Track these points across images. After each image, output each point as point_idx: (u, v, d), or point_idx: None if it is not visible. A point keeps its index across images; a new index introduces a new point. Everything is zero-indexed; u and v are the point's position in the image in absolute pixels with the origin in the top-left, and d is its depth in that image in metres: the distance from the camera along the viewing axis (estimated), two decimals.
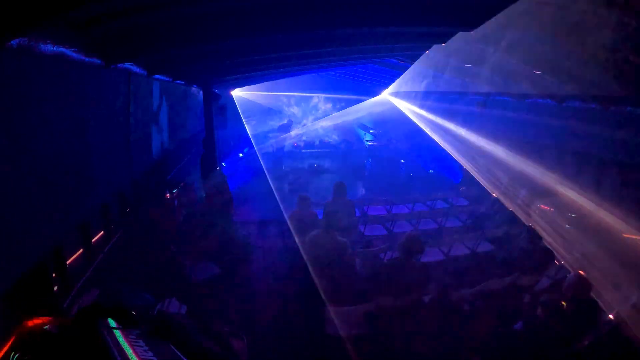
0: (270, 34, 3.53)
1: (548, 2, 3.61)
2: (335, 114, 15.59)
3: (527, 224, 5.19)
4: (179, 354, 2.17)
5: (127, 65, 3.55)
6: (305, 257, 4.18)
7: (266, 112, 15.93)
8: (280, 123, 15.25)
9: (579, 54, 3.84)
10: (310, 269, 4.06)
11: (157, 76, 4.82)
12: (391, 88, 12.48)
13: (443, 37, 4.37)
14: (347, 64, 8.67)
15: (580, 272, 3.47)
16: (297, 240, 4.45)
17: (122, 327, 2.15)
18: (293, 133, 14.72)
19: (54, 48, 2.32)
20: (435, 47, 5.15)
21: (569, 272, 3.85)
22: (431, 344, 3.47)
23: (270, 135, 14.19)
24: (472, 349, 3.50)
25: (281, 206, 6.60)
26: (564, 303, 3.39)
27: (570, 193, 5.17)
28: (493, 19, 3.31)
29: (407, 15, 3.37)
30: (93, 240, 3.66)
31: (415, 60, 7.26)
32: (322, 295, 3.83)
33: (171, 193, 5.71)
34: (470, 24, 3.58)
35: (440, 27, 3.85)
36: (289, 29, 3.46)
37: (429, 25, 3.71)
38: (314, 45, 4.68)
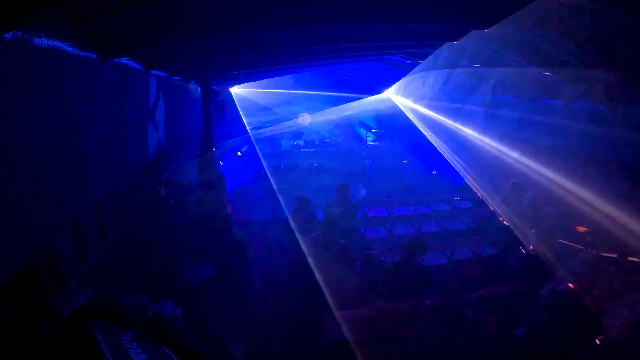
0: (271, 29, 3.44)
1: (558, 2, 3.53)
2: (334, 109, 15.35)
3: (531, 229, 5.11)
4: (173, 357, 2.12)
5: (123, 60, 3.49)
6: (304, 259, 4.11)
7: (265, 109, 15.81)
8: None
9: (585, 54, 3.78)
10: (309, 271, 3.99)
11: (153, 72, 4.76)
12: (395, 87, 12.41)
13: (455, 36, 4.28)
14: (351, 62, 8.56)
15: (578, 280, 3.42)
16: (295, 241, 4.39)
17: (116, 328, 2.10)
18: (289, 127, 14.40)
19: (49, 42, 2.28)
20: (442, 46, 5.06)
21: (572, 278, 3.80)
22: (432, 349, 3.41)
23: (267, 126, 13.93)
24: (475, 354, 3.43)
25: (280, 207, 6.52)
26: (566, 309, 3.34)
27: (577, 196, 5.10)
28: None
29: (420, 12, 3.28)
30: (86, 239, 3.58)
31: (423, 60, 7.13)
32: (321, 299, 3.76)
33: (167, 192, 5.63)
34: (485, 23, 3.48)
35: (453, 25, 3.77)
36: (291, 24, 3.36)
37: (442, 22, 3.62)
38: (318, 42, 4.56)
